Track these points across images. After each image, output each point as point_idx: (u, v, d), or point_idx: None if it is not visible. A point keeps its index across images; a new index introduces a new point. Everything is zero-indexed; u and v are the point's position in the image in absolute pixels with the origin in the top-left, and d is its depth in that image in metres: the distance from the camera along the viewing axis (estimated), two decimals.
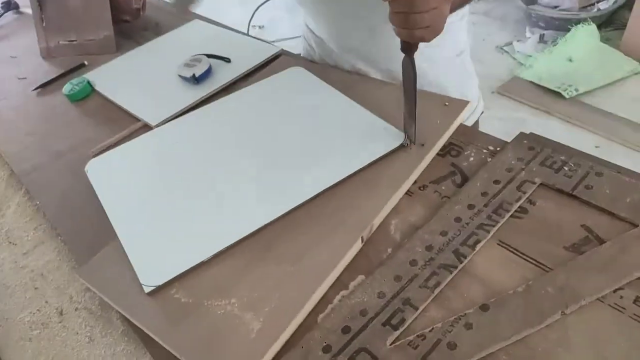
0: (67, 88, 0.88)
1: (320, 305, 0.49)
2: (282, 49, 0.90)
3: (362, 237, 0.52)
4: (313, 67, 0.80)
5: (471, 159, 0.61)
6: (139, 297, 0.50)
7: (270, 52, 0.88)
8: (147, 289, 0.50)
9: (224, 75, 0.85)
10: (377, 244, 0.53)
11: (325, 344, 0.44)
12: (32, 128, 0.85)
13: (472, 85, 0.86)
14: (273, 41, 2.74)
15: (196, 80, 0.82)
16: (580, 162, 0.56)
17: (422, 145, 0.61)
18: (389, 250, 0.52)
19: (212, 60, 0.86)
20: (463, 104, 0.65)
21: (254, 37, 0.97)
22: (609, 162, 0.56)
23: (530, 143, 0.59)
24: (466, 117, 0.69)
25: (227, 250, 0.53)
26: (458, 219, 0.53)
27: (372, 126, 0.64)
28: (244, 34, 0.98)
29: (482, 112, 0.91)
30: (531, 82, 2.02)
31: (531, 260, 0.48)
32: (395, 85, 0.70)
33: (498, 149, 0.61)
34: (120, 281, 0.52)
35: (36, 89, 0.94)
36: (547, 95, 1.96)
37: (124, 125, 0.79)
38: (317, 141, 0.64)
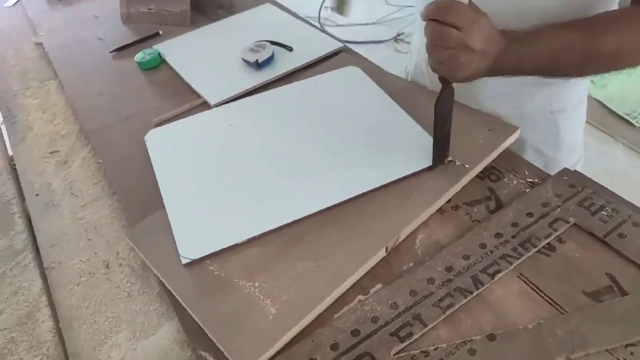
0: (139, 56, 0.94)
1: (337, 304, 0.52)
2: (345, 45, 0.91)
3: (386, 247, 0.55)
4: (370, 68, 0.81)
5: (510, 186, 0.61)
6: (176, 265, 0.55)
7: (332, 47, 0.90)
8: (184, 261, 0.55)
9: (284, 63, 0.88)
10: (400, 255, 0.56)
11: (333, 342, 0.48)
12: (103, 89, 0.91)
13: (567, 148, 0.80)
14: (342, 25, 2.76)
15: (258, 65, 0.86)
16: (619, 209, 0.55)
17: (464, 165, 0.62)
18: (411, 264, 0.54)
19: (275, 47, 0.90)
20: (511, 129, 0.65)
21: (320, 29, 0.99)
22: None
23: (572, 181, 0.59)
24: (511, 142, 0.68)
25: (261, 236, 0.57)
26: (483, 245, 0.54)
27: (417, 139, 0.66)
28: (310, 24, 1.00)
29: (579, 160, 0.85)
30: (601, 103, 1.93)
31: (548, 299, 0.49)
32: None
33: (538, 181, 0.61)
34: (162, 248, 0.57)
35: (112, 51, 1.01)
36: (616, 120, 1.87)
37: (186, 99, 0.84)
38: (361, 145, 0.67)
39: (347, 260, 0.54)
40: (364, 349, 0.47)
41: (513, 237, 0.54)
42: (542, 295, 0.50)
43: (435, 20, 0.52)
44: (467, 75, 0.56)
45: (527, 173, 0.62)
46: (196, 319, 0.51)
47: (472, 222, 0.58)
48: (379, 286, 0.53)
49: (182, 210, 0.61)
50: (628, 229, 0.53)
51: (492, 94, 0.73)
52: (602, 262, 0.51)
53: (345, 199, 0.60)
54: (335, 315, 0.51)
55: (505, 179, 0.62)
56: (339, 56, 0.88)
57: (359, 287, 0.53)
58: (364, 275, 0.54)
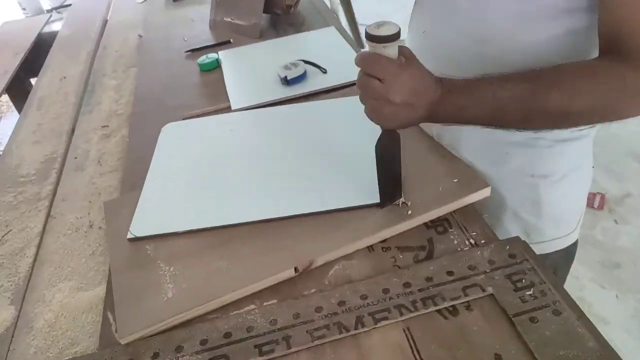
0: (201, 59, 1.06)
1: (231, 306, 0.55)
2: None
3: (296, 267, 0.56)
4: None
5: (451, 242, 0.58)
6: (123, 238, 0.63)
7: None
8: (129, 236, 0.63)
9: (313, 83, 0.92)
10: (308, 279, 0.56)
11: (205, 337, 0.51)
12: (163, 80, 1.05)
13: (550, 219, 0.73)
14: None
15: (287, 82, 0.92)
16: (548, 293, 0.49)
17: (407, 212, 0.60)
18: (313, 290, 0.55)
19: (310, 67, 0.95)
20: (479, 185, 0.62)
21: None
22: (582, 312, 0.48)
23: (514, 251, 0.54)
24: (476, 200, 0.62)
25: (198, 231, 0.63)
26: (386, 290, 0.53)
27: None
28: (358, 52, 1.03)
29: (575, 241, 0.78)
30: None
31: None
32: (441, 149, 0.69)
33: (483, 242, 0.57)
34: (122, 222, 0.66)
35: (187, 51, 1.15)
36: None
37: (220, 101, 0.93)
38: (327, 168, 0.68)
39: (255, 269, 0.56)
40: (225, 352, 0.49)
41: (420, 290, 0.52)
42: (416, 355, 0.47)
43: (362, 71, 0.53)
44: (396, 125, 0.55)
45: (476, 233, 0.59)
46: (113, 285, 0.58)
47: (393, 266, 0.56)
48: (273, 301, 0.55)
49: (151, 195, 0.69)
50: (544, 316, 0.48)
51: (470, 147, 0.70)
52: (498, 342, 0.47)
53: (285, 215, 0.62)
54: (219, 315, 0.54)
55: (451, 234, 0.59)
56: None
57: (256, 297, 0.55)
58: (266, 287, 0.56)
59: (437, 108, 0.54)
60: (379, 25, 0.50)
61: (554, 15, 0.57)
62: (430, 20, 0.70)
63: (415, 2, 0.75)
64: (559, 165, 0.68)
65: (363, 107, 0.54)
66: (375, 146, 0.57)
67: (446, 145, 0.69)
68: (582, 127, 0.66)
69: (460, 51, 0.65)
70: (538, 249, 0.67)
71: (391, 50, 0.51)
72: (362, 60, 0.51)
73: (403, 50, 0.52)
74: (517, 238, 0.56)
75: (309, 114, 0.82)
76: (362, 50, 0.53)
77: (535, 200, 0.70)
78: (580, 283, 1.65)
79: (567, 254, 0.78)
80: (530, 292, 0.50)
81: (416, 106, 0.53)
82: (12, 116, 2.33)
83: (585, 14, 0.56)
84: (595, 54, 0.56)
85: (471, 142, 0.70)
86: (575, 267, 1.70)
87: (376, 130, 0.56)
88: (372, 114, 0.54)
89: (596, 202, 1.88)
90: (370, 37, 0.50)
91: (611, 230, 1.81)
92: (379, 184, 0.60)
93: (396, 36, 0.49)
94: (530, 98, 0.52)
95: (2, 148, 2.83)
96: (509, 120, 0.55)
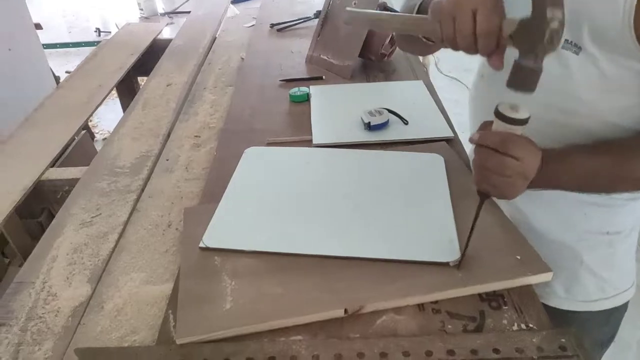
0: (293, 90, 1.13)
1: (280, 332, 0.58)
2: (455, 136, 0.95)
3: (346, 309, 0.59)
4: (454, 161, 0.84)
5: (502, 319, 0.58)
6: (195, 245, 0.69)
7: (442, 133, 0.94)
8: (200, 244, 0.68)
9: (394, 133, 0.96)
10: (356, 323, 0.59)
11: (251, 356, 0.55)
12: (255, 104, 1.13)
13: (621, 268, 0.78)
14: None
15: (369, 127, 0.96)
16: None
17: (459, 276, 0.61)
18: (358, 334, 0.58)
19: (393, 117, 0.99)
20: (541, 268, 0.62)
21: (444, 114, 1.03)
22: None
23: (566, 343, 0.54)
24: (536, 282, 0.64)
25: (265, 254, 0.67)
26: (429, 353, 0.54)
27: (447, 234, 0.67)
28: (443, 109, 1.06)
29: (629, 299, 0.80)
30: None
31: None
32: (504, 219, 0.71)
33: (535, 327, 0.57)
34: (197, 229, 0.72)
35: (281, 80, 1.23)
36: None
37: (302, 133, 0.99)
38: (398, 219, 0.71)
39: (307, 303, 0.60)
40: None
41: None
42: None
43: (491, 148, 0.57)
44: (514, 197, 0.60)
45: (529, 315, 0.59)
46: (180, 287, 0.63)
47: (440, 330, 0.58)
48: (320, 337, 0.57)
49: (226, 210, 0.75)
50: None
51: (550, 208, 0.75)
52: None
53: (348, 255, 0.65)
54: (267, 339, 0.57)
55: (504, 312, 0.59)
56: (440, 144, 0.92)
57: (304, 329, 0.58)
58: (316, 322, 0.59)
59: (536, 178, 0.59)
60: (514, 107, 0.55)
61: (634, 85, 0.62)
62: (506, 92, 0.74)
63: (482, 75, 0.79)
64: (630, 221, 0.74)
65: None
66: (477, 211, 0.61)
67: (525, 209, 0.76)
68: None
69: (545, 123, 0.68)
70: (610, 303, 0.79)
71: (522, 132, 0.56)
72: (504, 141, 0.56)
73: None
74: (570, 330, 0.56)
75: (386, 161, 0.86)
76: (492, 129, 0.58)
77: (609, 256, 0.76)
78: None
79: (626, 305, 0.83)
80: None
81: (531, 178, 0.59)
82: (112, 103, 2.54)
83: None
84: None
85: (552, 203, 0.75)
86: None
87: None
88: (501, 189, 0.59)
89: None
90: (508, 119, 0.55)
91: None
92: (466, 245, 0.62)
93: (529, 119, 0.55)
94: (617, 166, 0.60)
95: (97, 130, 3.07)
96: (596, 186, 0.62)
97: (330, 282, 0.62)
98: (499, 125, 0.57)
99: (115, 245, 0.77)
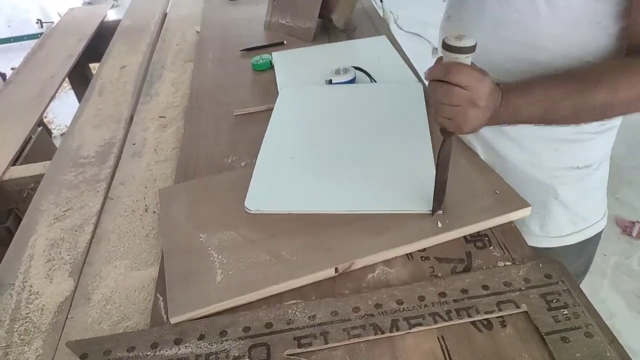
0: (255, 59, 1.10)
1: (274, 298, 0.58)
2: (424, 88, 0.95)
3: (336, 268, 0.59)
4: None
5: (489, 258, 0.60)
6: (174, 225, 0.68)
7: (413, 90, 0.94)
8: (248, 210, 0.68)
9: None
10: (347, 280, 0.59)
11: (247, 325, 0.55)
12: (217, 77, 1.10)
13: (593, 201, 0.81)
14: None
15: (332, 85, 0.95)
16: (581, 315, 0.51)
17: (446, 221, 0.62)
18: (351, 290, 0.58)
19: (360, 75, 0.97)
20: (520, 204, 0.63)
21: (412, 67, 1.03)
22: (614, 337, 0.50)
23: (551, 271, 0.56)
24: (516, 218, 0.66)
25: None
26: (422, 298, 0.55)
27: (428, 182, 0.68)
28: (410, 63, 1.05)
29: (602, 230, 0.83)
30: None
31: None
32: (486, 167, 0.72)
33: (518, 260, 0.59)
34: (174, 208, 0.71)
35: (242, 50, 1.20)
36: None
37: (271, 101, 0.97)
38: (380, 166, 0.73)
39: (297, 266, 0.60)
40: (266, 340, 0.53)
41: (455, 300, 0.54)
42: None
43: (441, 80, 0.56)
44: (472, 129, 0.60)
45: (514, 251, 0.60)
46: (165, 267, 0.62)
47: (430, 275, 0.59)
48: (313, 298, 0.58)
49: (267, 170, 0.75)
50: (576, 337, 0.49)
51: (521, 146, 0.76)
52: (529, 359, 0.49)
53: (334, 211, 0.65)
54: (262, 306, 0.57)
55: (490, 249, 0.61)
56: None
57: (298, 292, 0.59)
58: (308, 284, 0.59)
59: (499, 110, 0.59)
60: (458, 37, 0.54)
61: (599, 20, 0.62)
62: (474, 30, 0.73)
63: (448, 15, 0.78)
64: (597, 155, 0.76)
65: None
66: (439, 153, 0.60)
67: (500, 150, 0.77)
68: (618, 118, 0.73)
69: (508, 58, 0.70)
70: (583, 236, 0.81)
71: (469, 60, 0.55)
72: (448, 71, 0.55)
73: None
74: (553, 259, 0.58)
75: (362, 94, 0.90)
76: (439, 60, 0.57)
77: (580, 190, 0.78)
78: (611, 311, 1.62)
79: (599, 236, 0.85)
80: (564, 313, 0.51)
81: (490, 109, 0.58)
82: (66, 97, 2.44)
83: (623, 17, 0.61)
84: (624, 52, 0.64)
85: (523, 142, 0.76)
86: (609, 294, 1.67)
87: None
88: (455, 120, 0.58)
89: (635, 230, 1.83)
90: (453, 49, 0.54)
91: None
92: (435, 191, 0.62)
93: (475, 47, 0.54)
94: (579, 94, 0.59)
95: (54, 126, 2.95)
96: (560, 116, 0.61)
97: (317, 244, 0.62)
98: (447, 57, 0.56)
99: (92, 236, 0.74)
